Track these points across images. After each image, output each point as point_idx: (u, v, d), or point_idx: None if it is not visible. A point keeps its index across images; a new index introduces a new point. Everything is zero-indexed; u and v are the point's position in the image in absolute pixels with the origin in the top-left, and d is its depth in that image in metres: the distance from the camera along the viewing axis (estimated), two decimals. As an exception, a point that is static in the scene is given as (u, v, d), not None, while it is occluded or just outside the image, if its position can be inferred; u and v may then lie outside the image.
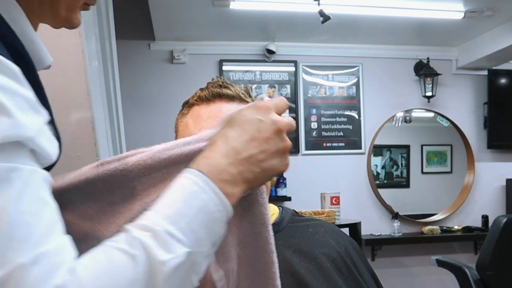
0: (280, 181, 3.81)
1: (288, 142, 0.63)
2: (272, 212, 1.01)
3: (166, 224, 0.53)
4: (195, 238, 0.54)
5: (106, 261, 0.50)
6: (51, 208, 0.51)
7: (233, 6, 3.18)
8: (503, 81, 4.26)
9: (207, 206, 0.56)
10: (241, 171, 0.59)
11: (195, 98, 0.97)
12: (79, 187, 0.66)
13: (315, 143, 4.04)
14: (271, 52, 3.92)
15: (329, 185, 3.65)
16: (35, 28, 0.63)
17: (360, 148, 4.13)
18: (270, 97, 0.67)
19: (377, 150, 4.25)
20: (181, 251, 0.53)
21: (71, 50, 1.28)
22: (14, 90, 0.49)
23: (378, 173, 4.29)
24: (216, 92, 0.95)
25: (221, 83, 0.96)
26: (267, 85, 4.00)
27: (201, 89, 0.97)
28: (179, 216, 0.54)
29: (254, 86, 3.92)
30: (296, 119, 4.00)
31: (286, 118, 0.64)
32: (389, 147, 4.35)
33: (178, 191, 0.57)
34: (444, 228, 4.13)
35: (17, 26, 0.58)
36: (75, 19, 0.66)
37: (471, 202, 4.27)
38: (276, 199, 3.70)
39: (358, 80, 4.15)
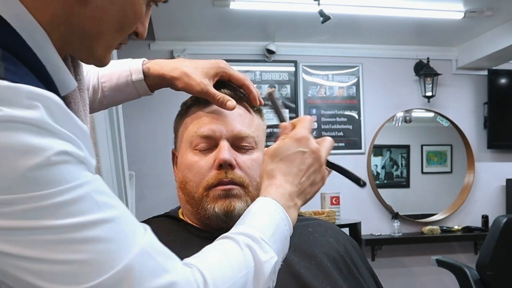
0: (280, 181, 3.80)
1: (323, 163, 0.79)
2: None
3: (259, 233, 0.67)
4: (276, 247, 0.68)
5: (227, 261, 0.62)
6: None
7: (233, 6, 3.18)
8: (503, 81, 4.26)
9: (282, 224, 0.71)
10: (299, 197, 0.76)
11: (193, 99, 0.97)
12: None
13: (315, 143, 4.04)
14: (271, 52, 3.92)
15: (329, 185, 3.64)
16: (63, 56, 0.64)
17: (360, 148, 4.13)
18: (271, 95, 0.74)
19: (377, 150, 4.25)
20: (272, 254, 0.67)
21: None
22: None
23: (378, 173, 4.29)
24: (214, 92, 0.95)
25: (219, 83, 0.96)
26: (267, 85, 4.00)
27: (200, 89, 0.97)
28: (266, 228, 0.69)
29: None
30: (296, 119, 4.00)
31: (324, 145, 0.79)
32: (389, 147, 4.35)
33: (260, 210, 0.71)
34: (444, 228, 4.13)
35: (42, 51, 0.59)
36: (107, 58, 0.68)
37: (471, 202, 4.27)
38: (276, 199, 3.69)
39: (358, 80, 4.14)
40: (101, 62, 0.68)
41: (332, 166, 0.83)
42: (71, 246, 0.49)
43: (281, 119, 0.84)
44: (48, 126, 0.50)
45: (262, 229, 0.68)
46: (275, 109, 0.85)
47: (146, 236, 0.56)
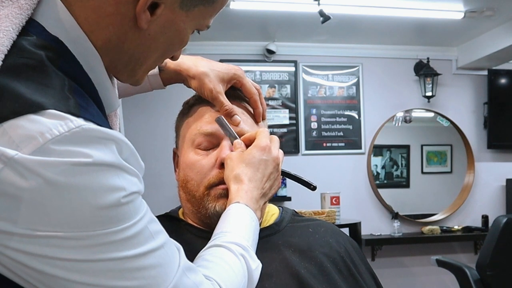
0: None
1: (280, 171, 0.91)
2: (272, 212, 1.01)
3: (246, 241, 0.75)
4: (255, 252, 0.77)
5: (232, 273, 0.69)
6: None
7: (233, 6, 3.18)
8: (503, 81, 4.26)
9: (257, 229, 0.81)
10: (261, 199, 0.85)
11: (196, 98, 0.97)
12: None
13: (315, 143, 4.04)
14: (271, 52, 3.92)
15: (329, 185, 3.65)
16: (110, 77, 0.68)
17: (360, 148, 4.13)
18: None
19: (377, 150, 4.25)
20: (258, 261, 0.76)
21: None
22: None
23: (378, 173, 4.29)
24: (216, 92, 0.95)
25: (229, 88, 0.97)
26: (267, 85, 4.00)
27: (202, 89, 0.97)
28: (248, 236, 0.77)
29: (254, 86, 3.92)
30: (296, 119, 4.00)
31: (280, 153, 0.90)
32: (389, 147, 4.35)
33: (240, 217, 0.79)
34: (444, 228, 4.13)
35: (95, 74, 0.62)
36: (144, 79, 0.73)
37: (471, 202, 4.27)
38: (276, 199, 3.69)
39: (358, 80, 4.14)
40: (137, 82, 0.71)
41: (285, 174, 0.96)
42: (130, 274, 0.55)
43: (234, 137, 0.89)
44: (121, 165, 0.54)
45: (247, 237, 0.76)
46: (226, 131, 0.90)
47: (182, 256, 0.63)
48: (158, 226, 0.60)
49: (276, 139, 0.91)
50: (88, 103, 0.57)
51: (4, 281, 0.54)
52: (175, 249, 0.63)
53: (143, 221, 0.56)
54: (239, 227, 0.77)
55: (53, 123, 0.50)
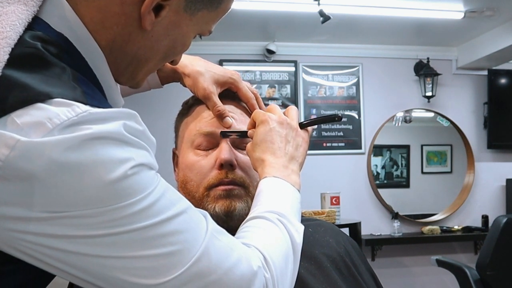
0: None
1: (297, 127, 0.87)
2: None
3: (280, 208, 0.74)
4: (296, 216, 0.76)
5: (271, 238, 0.68)
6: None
7: (233, 6, 3.17)
8: (503, 81, 4.26)
9: (292, 194, 0.79)
10: (291, 163, 0.83)
11: (195, 98, 0.97)
12: None
13: (315, 143, 4.04)
14: (271, 52, 3.92)
15: (329, 185, 3.65)
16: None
17: (360, 148, 4.13)
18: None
19: (377, 150, 4.25)
20: (298, 223, 0.74)
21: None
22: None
23: (378, 173, 4.29)
24: (216, 92, 0.95)
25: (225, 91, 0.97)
26: (267, 85, 3.99)
27: (201, 89, 0.97)
28: (283, 202, 0.76)
29: (254, 86, 3.90)
30: (296, 119, 4.00)
31: (290, 114, 0.89)
32: (389, 147, 4.34)
33: (270, 189, 0.77)
34: (444, 228, 4.13)
35: (99, 73, 0.63)
36: (144, 81, 0.73)
37: (471, 202, 4.27)
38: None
39: (358, 80, 4.14)
40: (138, 85, 0.72)
41: (306, 124, 0.90)
42: (154, 242, 0.54)
43: (245, 136, 0.89)
44: (125, 138, 0.54)
45: (280, 204, 0.75)
46: (237, 137, 0.90)
47: (209, 221, 0.62)
48: (176, 194, 0.60)
49: (274, 106, 0.90)
50: (93, 91, 0.58)
51: (20, 268, 0.55)
52: (200, 214, 0.62)
53: (157, 190, 0.56)
54: (270, 197, 0.76)
55: (61, 110, 0.51)
